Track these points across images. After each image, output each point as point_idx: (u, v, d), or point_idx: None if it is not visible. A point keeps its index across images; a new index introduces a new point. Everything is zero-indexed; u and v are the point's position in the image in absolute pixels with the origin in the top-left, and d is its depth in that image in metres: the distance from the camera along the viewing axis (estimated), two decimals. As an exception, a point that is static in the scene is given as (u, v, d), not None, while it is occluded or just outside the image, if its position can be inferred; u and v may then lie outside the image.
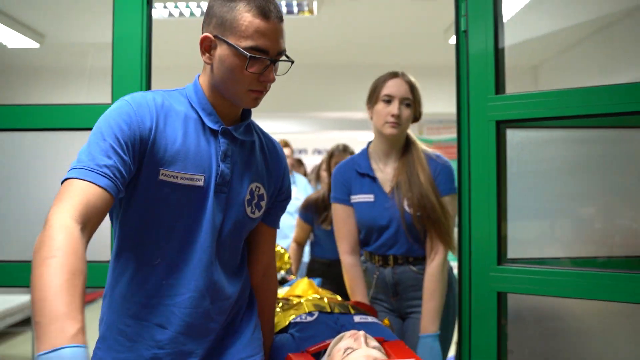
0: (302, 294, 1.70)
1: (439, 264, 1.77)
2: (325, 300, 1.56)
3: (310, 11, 3.83)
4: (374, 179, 1.87)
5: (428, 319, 1.73)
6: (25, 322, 5.29)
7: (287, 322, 1.46)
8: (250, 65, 1.07)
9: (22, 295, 5.29)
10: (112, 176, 1.00)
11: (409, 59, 4.62)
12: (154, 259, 1.12)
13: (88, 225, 0.95)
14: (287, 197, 1.35)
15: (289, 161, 3.78)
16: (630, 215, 1.86)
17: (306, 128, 7.23)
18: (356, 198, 1.86)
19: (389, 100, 1.77)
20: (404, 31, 4.17)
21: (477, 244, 1.60)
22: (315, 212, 2.88)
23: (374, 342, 1.23)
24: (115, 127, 1.04)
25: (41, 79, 5.01)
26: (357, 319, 1.47)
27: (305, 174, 4.95)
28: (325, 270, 2.85)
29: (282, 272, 2.21)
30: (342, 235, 1.89)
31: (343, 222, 1.88)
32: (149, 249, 1.12)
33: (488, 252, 1.58)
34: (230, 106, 1.17)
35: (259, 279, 1.35)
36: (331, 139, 9.14)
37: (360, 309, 1.58)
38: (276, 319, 1.50)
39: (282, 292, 1.80)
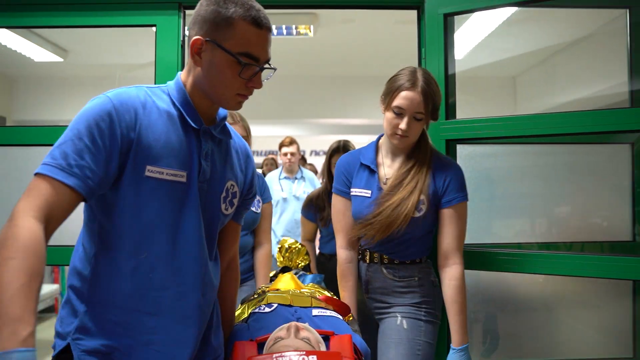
0: (282, 287, 1.67)
1: (460, 274, 1.65)
2: (289, 295, 1.53)
3: (308, 32, 4.06)
4: (373, 173, 1.73)
5: (461, 332, 1.62)
6: (48, 310, 5.66)
7: (247, 313, 1.48)
8: (243, 71, 1.09)
9: (47, 285, 5.66)
10: (83, 176, 0.99)
11: (394, 71, 4.92)
12: (141, 252, 1.10)
13: (51, 224, 0.96)
14: (254, 196, 1.37)
15: (296, 157, 3.96)
16: (559, 210, 2.35)
17: (305, 132, 7.50)
18: (354, 191, 1.74)
19: (400, 114, 1.62)
20: (388, 47, 4.32)
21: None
22: (316, 210, 2.82)
23: (305, 334, 1.22)
24: (93, 125, 1.02)
25: (63, 88, 5.33)
26: (315, 312, 1.45)
27: (316, 172, 4.95)
28: (326, 264, 2.81)
29: (297, 269, 2.11)
30: (339, 228, 1.77)
31: (342, 215, 1.76)
32: (135, 243, 1.09)
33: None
34: (211, 106, 1.17)
35: (223, 272, 1.35)
36: (326, 141, 9.57)
37: (328, 304, 1.54)
38: (240, 310, 1.54)
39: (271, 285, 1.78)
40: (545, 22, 3.74)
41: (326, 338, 1.32)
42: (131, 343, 1.10)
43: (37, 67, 4.67)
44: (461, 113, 2.01)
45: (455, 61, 2.03)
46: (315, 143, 9.27)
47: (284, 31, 3.99)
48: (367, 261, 1.76)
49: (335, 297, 1.71)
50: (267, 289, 1.68)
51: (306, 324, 1.30)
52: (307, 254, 2.13)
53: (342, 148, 2.83)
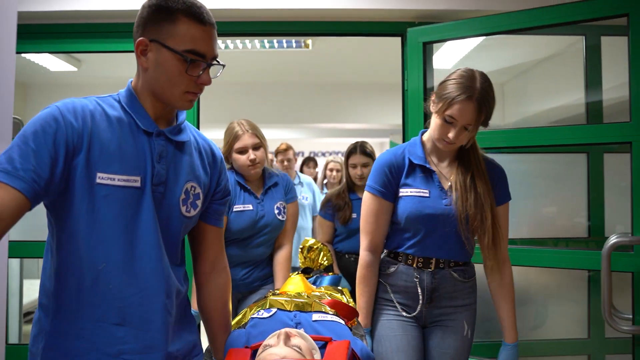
0: (291, 290, 1.60)
1: (511, 273, 1.66)
2: (291, 298, 1.47)
3: (307, 46, 4.25)
4: (430, 172, 1.64)
5: (512, 328, 1.63)
6: None
7: (247, 318, 1.42)
8: (190, 68, 1.08)
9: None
10: (30, 180, 0.98)
11: (385, 78, 4.90)
12: (99, 262, 1.07)
13: None
14: (225, 196, 1.32)
15: (292, 163, 3.91)
16: (527, 210, 2.68)
17: (303, 135, 7.80)
18: (407, 192, 1.63)
19: (450, 123, 1.53)
20: (379, 58, 4.45)
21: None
22: (334, 209, 2.83)
23: (297, 341, 1.17)
24: (40, 130, 1.02)
25: (76, 95, 5.57)
26: (316, 316, 1.40)
27: (315, 178, 4.98)
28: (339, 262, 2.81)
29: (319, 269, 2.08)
30: (369, 230, 1.66)
31: (375, 217, 1.65)
32: (92, 253, 1.07)
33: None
34: (164, 108, 1.16)
35: (206, 276, 1.33)
36: (323, 143, 9.92)
37: (332, 308, 1.47)
38: (241, 315, 1.48)
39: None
40: (519, 43, 4.05)
41: (325, 344, 1.27)
42: (100, 357, 1.08)
43: (52, 75, 4.84)
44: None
45: (445, 70, 2.34)
46: (313, 145, 9.63)
47: (284, 44, 4.19)
48: (433, 268, 1.64)
49: (346, 298, 1.68)
50: (278, 292, 1.62)
51: (301, 331, 1.27)
52: (328, 253, 2.08)
53: (359, 149, 2.85)
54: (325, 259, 2.06)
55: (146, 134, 1.14)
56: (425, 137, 1.70)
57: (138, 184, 1.11)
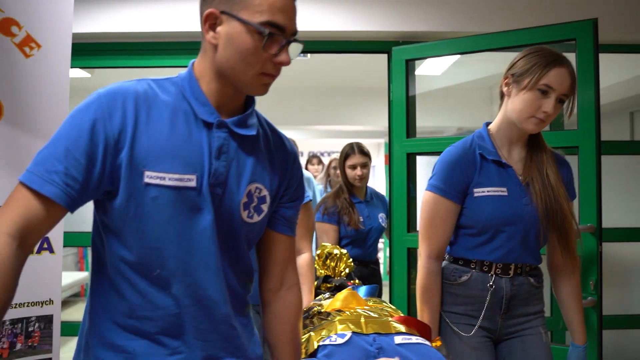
0: (342, 307, 1.43)
1: (580, 271, 1.58)
2: (362, 318, 1.28)
3: (305, 55, 4.57)
4: (505, 167, 1.50)
5: (583, 329, 1.55)
6: (74, 295, 6.21)
7: (316, 346, 1.22)
8: (267, 43, 0.92)
9: (76, 273, 6.27)
10: (62, 184, 0.87)
11: (380, 83, 5.43)
12: (153, 270, 0.95)
13: (28, 239, 0.87)
14: (297, 198, 1.14)
15: None
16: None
17: (302, 136, 8.09)
18: (483, 191, 1.49)
19: (545, 92, 1.40)
20: (373, 65, 4.60)
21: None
22: (340, 213, 2.75)
23: None
24: (75, 127, 0.90)
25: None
26: (399, 339, 1.22)
27: (315, 176, 5.05)
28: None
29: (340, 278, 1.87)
30: (433, 235, 1.51)
31: (441, 220, 1.50)
32: (145, 261, 0.95)
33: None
34: (233, 95, 1.00)
35: (274, 293, 1.14)
36: (323, 144, 10.27)
37: (406, 326, 1.30)
38: (304, 339, 1.26)
39: (326, 304, 1.50)
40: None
41: None
42: None
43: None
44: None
45: (435, 77, 2.65)
46: (314, 145, 10.06)
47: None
48: (511, 274, 1.50)
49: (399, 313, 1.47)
50: (328, 309, 1.43)
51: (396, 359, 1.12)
52: (350, 259, 1.89)
53: (357, 149, 2.83)
54: (346, 266, 1.87)
55: (205, 124, 0.98)
56: (494, 128, 1.56)
57: (193, 184, 0.95)
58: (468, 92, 6.15)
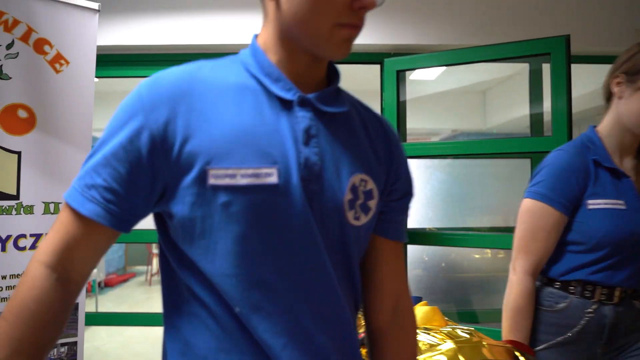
0: (427, 324, 1.30)
1: None
2: (485, 343, 1.16)
3: None
4: (620, 177, 1.34)
5: None
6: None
7: None
8: None
9: None
10: (102, 200, 0.71)
11: (371, 87, 5.74)
12: (233, 305, 0.73)
13: (73, 270, 0.73)
14: (407, 194, 0.91)
15: None
16: (481, 204, 3.28)
17: None
18: (599, 203, 1.32)
19: None
20: (370, 67, 5.27)
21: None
22: None
23: None
24: (113, 130, 0.73)
25: (95, 100, 6.09)
26: None
27: None
28: None
29: None
30: (534, 249, 1.34)
31: (545, 233, 1.33)
32: (222, 294, 0.73)
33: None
34: (310, 64, 0.79)
35: (387, 317, 0.89)
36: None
37: (520, 349, 1.22)
38: None
39: None
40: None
41: None
42: None
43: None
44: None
45: (430, 82, 2.89)
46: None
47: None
48: (617, 300, 1.32)
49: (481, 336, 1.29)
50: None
51: None
52: None
53: None
54: None
55: (283, 103, 0.77)
56: (604, 132, 1.39)
57: (274, 179, 0.73)
58: (461, 96, 6.41)
